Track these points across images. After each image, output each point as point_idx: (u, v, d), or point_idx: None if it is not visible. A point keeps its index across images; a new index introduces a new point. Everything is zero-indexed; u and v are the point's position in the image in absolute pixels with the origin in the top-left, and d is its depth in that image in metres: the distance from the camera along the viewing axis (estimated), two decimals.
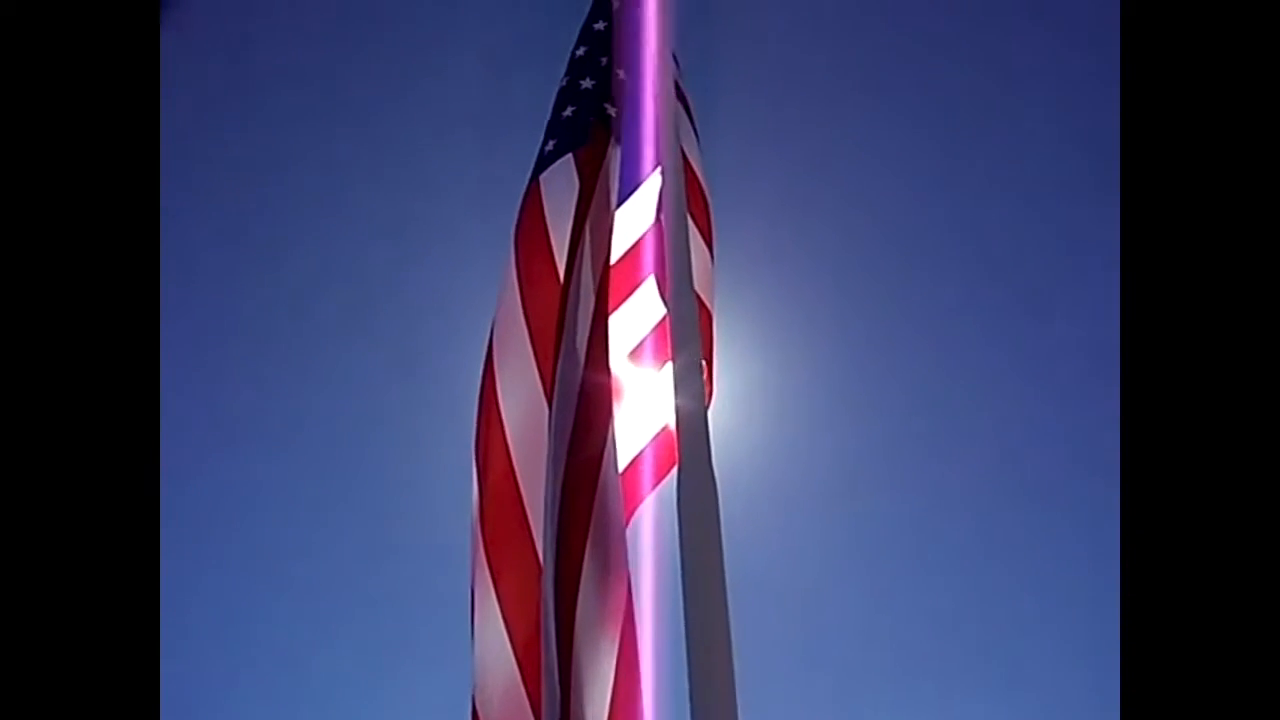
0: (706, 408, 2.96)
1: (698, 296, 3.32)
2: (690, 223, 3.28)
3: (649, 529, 3.18)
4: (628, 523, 3.03)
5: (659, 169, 3.41)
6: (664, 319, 3.39)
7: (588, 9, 3.77)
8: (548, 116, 3.63)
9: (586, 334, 3.15)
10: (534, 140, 3.62)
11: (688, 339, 3.02)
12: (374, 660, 5.53)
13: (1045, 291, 5.65)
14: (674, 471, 2.89)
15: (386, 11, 5.76)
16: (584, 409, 3.02)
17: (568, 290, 3.22)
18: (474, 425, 3.23)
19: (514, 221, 3.49)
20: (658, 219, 3.47)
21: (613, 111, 3.53)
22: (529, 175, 3.55)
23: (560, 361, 3.11)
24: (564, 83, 3.66)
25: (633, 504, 3.19)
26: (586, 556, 2.85)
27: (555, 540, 2.88)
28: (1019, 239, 5.65)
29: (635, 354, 3.48)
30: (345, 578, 5.62)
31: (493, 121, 5.28)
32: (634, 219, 3.55)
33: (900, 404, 5.61)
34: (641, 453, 3.33)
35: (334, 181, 5.75)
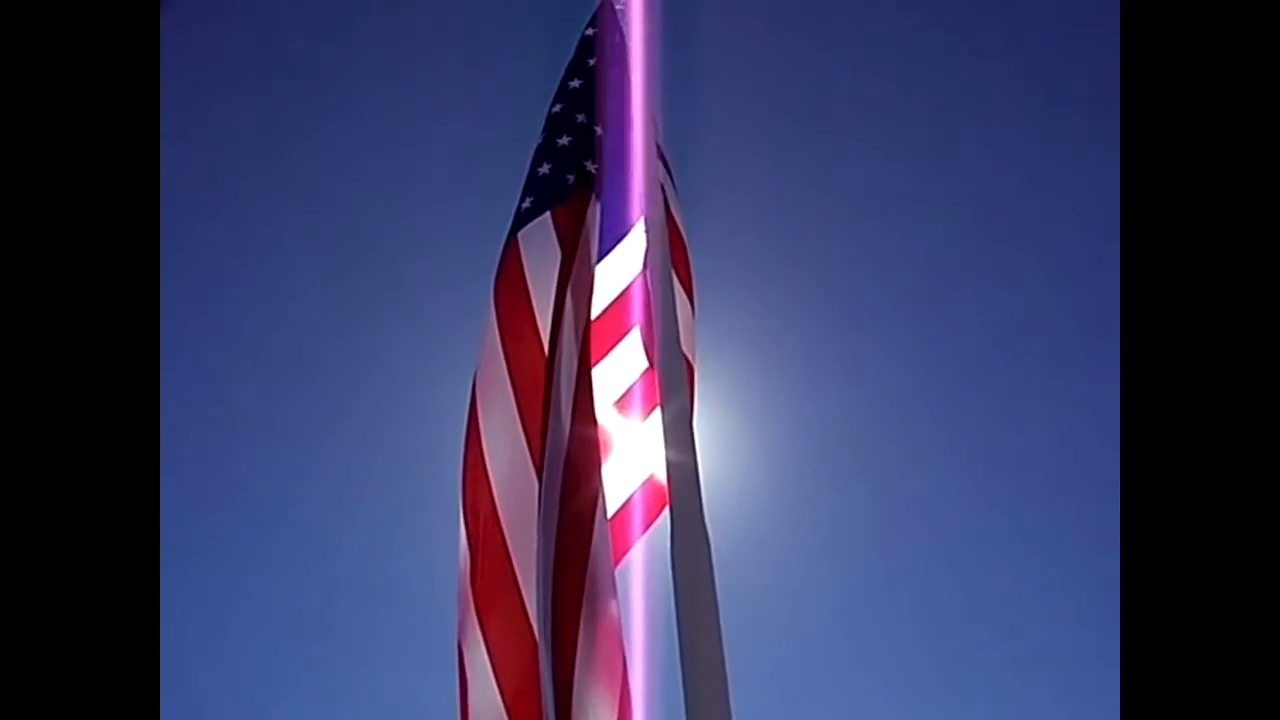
0: (696, 458, 2.93)
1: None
2: (673, 275, 3.29)
3: (639, 578, 3.13)
4: (616, 567, 2.99)
5: (643, 221, 3.41)
6: (649, 370, 3.37)
7: (565, 64, 3.80)
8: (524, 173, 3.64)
9: (572, 392, 3.13)
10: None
11: (676, 390, 3.00)
12: (374, 663, 5.44)
13: (1031, 321, 5.70)
14: (661, 519, 2.85)
15: (385, 9, 5.80)
16: (573, 467, 2.99)
17: (554, 352, 3.20)
18: (459, 473, 3.18)
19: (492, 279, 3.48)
20: (644, 271, 3.47)
21: (593, 168, 3.54)
22: (506, 232, 3.54)
23: (549, 421, 3.08)
24: (541, 139, 3.67)
25: (620, 551, 3.14)
26: (582, 616, 2.81)
27: (550, 599, 2.83)
28: (1000, 272, 5.71)
29: (621, 404, 3.45)
30: (345, 580, 5.54)
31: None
32: (617, 272, 3.54)
33: (885, 447, 5.61)
34: (629, 500, 3.29)
35: (335, 182, 5.74)
